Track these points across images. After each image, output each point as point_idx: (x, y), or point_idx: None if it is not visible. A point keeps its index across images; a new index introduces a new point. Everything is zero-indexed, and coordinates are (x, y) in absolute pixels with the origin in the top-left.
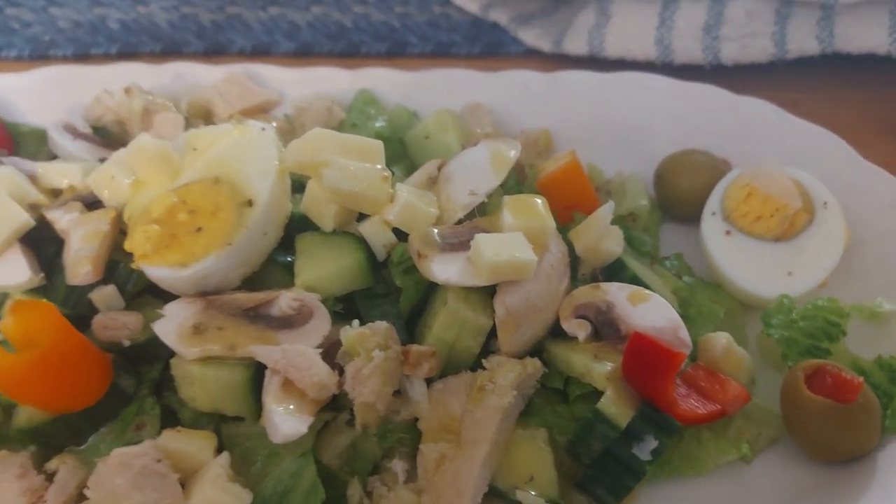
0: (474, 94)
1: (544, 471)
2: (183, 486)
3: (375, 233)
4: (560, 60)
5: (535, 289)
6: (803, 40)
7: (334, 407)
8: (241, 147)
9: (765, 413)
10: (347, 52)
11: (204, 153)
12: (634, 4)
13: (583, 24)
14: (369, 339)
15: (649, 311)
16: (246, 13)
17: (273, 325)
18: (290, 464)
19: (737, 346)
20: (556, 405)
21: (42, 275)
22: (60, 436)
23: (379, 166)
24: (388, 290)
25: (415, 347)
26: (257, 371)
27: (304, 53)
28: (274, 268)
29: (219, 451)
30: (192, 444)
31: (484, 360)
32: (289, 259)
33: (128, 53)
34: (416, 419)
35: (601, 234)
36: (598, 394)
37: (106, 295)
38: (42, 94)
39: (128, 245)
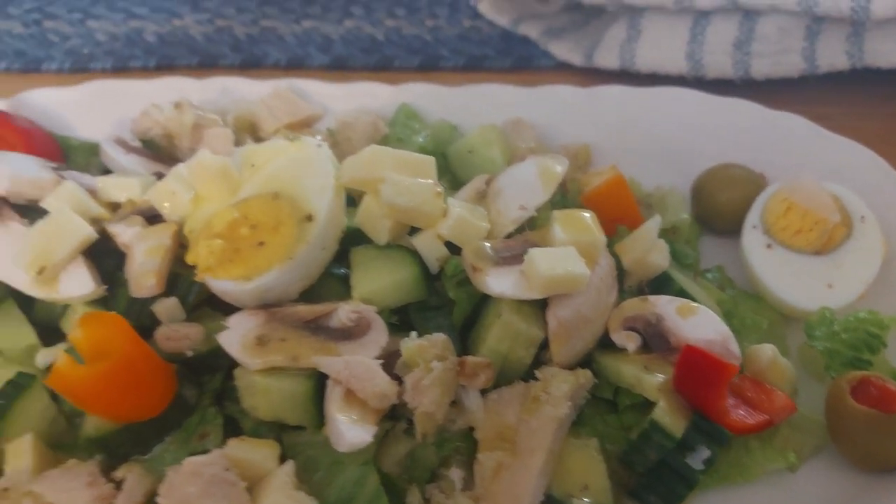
0: (512, 108)
1: (598, 479)
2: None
3: (429, 246)
4: (591, 74)
5: (585, 301)
6: (833, 56)
7: (392, 416)
8: (298, 163)
9: (809, 422)
10: (381, 65)
11: (261, 169)
12: (665, 20)
13: (614, 39)
14: (428, 350)
15: (699, 324)
16: (280, 26)
17: (333, 336)
18: (353, 472)
19: (781, 357)
20: (606, 415)
21: (105, 287)
22: (126, 445)
23: (431, 181)
24: (440, 302)
25: (470, 358)
26: (318, 381)
27: (338, 67)
28: (329, 280)
29: (281, 459)
30: (256, 452)
31: (537, 371)
32: (343, 272)
33: (166, 66)
34: (471, 428)
35: (648, 248)
36: (648, 404)
37: (168, 307)
38: (89, 108)
39: (190, 258)
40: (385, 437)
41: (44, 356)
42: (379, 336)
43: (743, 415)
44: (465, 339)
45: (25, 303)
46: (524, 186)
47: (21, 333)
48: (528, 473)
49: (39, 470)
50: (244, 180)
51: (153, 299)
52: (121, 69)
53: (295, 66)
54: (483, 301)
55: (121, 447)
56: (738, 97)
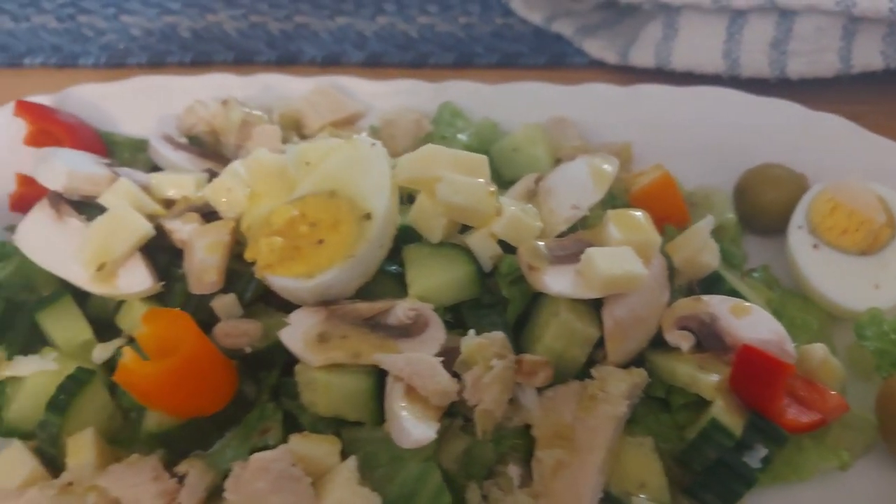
0: (553, 106)
1: (655, 477)
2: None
3: (483, 245)
4: (625, 72)
5: (640, 300)
6: (869, 55)
7: (449, 413)
8: (353, 162)
9: (860, 421)
10: (416, 62)
11: (316, 167)
12: (702, 19)
13: (650, 37)
14: (487, 348)
15: (754, 324)
16: (314, 22)
17: (392, 333)
18: (415, 468)
19: (832, 356)
20: (658, 414)
21: (162, 283)
22: (188, 440)
23: (484, 180)
24: (493, 300)
25: (528, 357)
26: (378, 378)
27: (374, 63)
28: (382, 278)
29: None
30: (318, 448)
31: (592, 370)
32: (394, 269)
33: (202, 62)
34: (527, 426)
35: (700, 247)
36: (702, 403)
37: (226, 303)
38: (131, 104)
39: (249, 255)
40: (443, 434)
41: (100, 352)
42: (437, 333)
43: (797, 414)
44: (515, 337)
45: (79, 298)
46: (576, 186)
47: (77, 329)
48: (588, 471)
49: (101, 465)
50: (299, 178)
51: (210, 295)
52: (157, 64)
53: (331, 62)
54: (535, 299)
55: (182, 443)
56: (773, 96)
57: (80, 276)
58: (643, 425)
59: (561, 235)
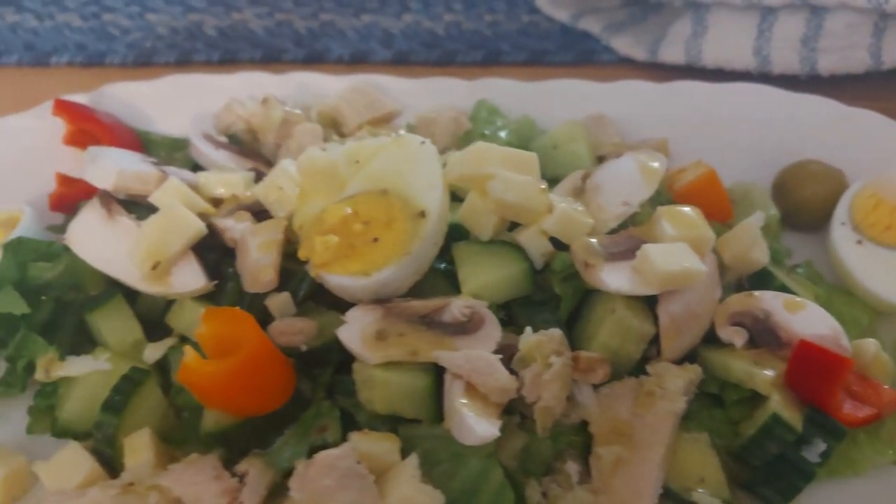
0: (588, 103)
1: (713, 472)
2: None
3: (534, 242)
4: (654, 69)
5: (694, 297)
6: None
7: (506, 410)
8: (403, 160)
9: None
10: (444, 60)
11: (365, 166)
12: (732, 16)
13: (679, 34)
14: (546, 345)
15: (809, 319)
16: (339, 20)
17: (447, 331)
18: (476, 465)
19: (883, 351)
20: (712, 409)
21: (214, 281)
22: (246, 439)
23: (534, 178)
24: (545, 297)
25: (585, 354)
26: (436, 376)
27: (401, 61)
28: (433, 275)
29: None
30: (379, 445)
31: (648, 367)
32: (443, 266)
33: (229, 60)
34: (584, 422)
35: (750, 244)
36: (756, 399)
37: (281, 301)
38: (166, 102)
39: (303, 253)
40: (502, 430)
41: (152, 351)
42: (493, 331)
43: (853, 409)
44: (568, 335)
45: (128, 298)
46: (625, 182)
47: (129, 329)
48: (648, 467)
49: (159, 464)
50: (349, 177)
51: (264, 294)
52: (184, 63)
53: (358, 60)
54: (588, 296)
55: (240, 441)
56: (804, 93)
57: (133, 275)
58: (697, 421)
59: (611, 232)
